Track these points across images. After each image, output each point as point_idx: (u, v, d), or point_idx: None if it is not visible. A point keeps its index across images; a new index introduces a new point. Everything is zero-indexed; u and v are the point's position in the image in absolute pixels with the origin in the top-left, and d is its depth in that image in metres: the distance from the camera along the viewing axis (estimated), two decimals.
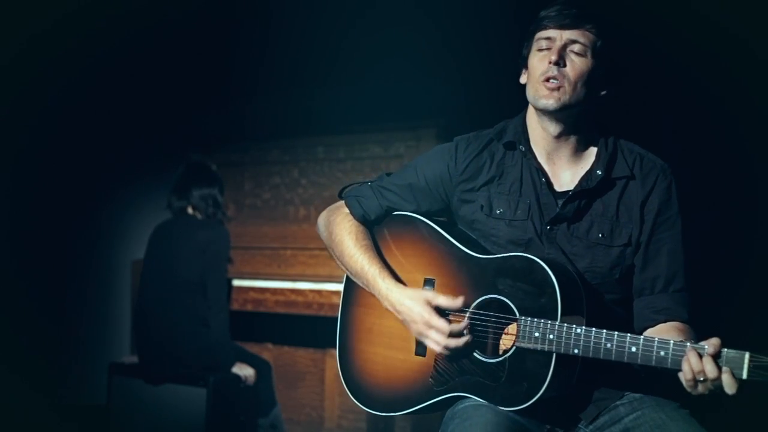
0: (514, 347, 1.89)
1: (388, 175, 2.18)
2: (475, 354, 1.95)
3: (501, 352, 1.93)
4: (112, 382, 4.04)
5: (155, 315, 3.84)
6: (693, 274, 1.99)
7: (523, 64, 2.02)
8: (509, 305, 1.91)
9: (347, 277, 2.19)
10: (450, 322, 1.95)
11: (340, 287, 2.22)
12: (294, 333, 4.56)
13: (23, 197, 4.52)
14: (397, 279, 2.08)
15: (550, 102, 1.92)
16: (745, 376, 1.65)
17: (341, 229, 2.15)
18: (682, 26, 3.18)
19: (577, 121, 1.98)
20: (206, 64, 4.74)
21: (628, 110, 2.78)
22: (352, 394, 2.14)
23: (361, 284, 2.12)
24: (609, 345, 1.77)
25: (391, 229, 2.15)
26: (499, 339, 1.95)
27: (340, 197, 2.22)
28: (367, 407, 2.11)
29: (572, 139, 2.00)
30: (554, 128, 1.98)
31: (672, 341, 1.72)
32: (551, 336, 1.82)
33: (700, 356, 1.68)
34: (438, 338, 1.94)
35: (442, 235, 2.06)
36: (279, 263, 4.53)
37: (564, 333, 1.81)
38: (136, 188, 4.89)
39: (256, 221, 4.71)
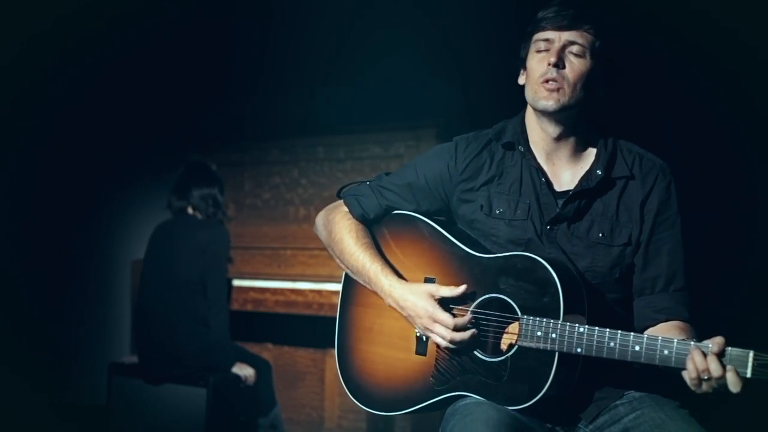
0: (516, 346, 1.89)
1: (387, 174, 2.18)
2: (476, 353, 1.95)
3: (502, 351, 1.93)
4: (112, 382, 4.04)
5: (155, 315, 3.84)
6: (693, 274, 2.00)
7: (521, 65, 2.03)
8: (511, 304, 1.91)
9: (346, 276, 2.19)
10: (455, 315, 1.95)
11: (340, 287, 2.22)
12: (294, 333, 4.56)
13: (23, 197, 4.52)
14: (399, 276, 2.08)
15: (549, 103, 1.92)
16: (749, 374, 1.65)
17: (341, 227, 2.15)
18: (682, 26, 3.18)
19: (576, 122, 1.99)
20: (206, 64, 4.73)
21: (627, 110, 2.78)
22: (351, 394, 2.14)
23: (362, 282, 2.12)
24: (612, 344, 1.78)
25: (390, 228, 2.15)
26: (500, 338, 1.95)
27: (339, 196, 2.22)
28: (366, 407, 2.11)
29: (571, 139, 2.00)
30: (553, 129, 1.98)
31: (676, 340, 1.73)
32: (554, 335, 1.83)
33: (705, 355, 1.68)
34: (443, 332, 1.94)
35: (443, 234, 2.06)
36: (279, 263, 4.53)
37: (567, 332, 1.82)
38: (136, 188, 4.88)
39: (256, 221, 4.71)
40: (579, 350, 1.81)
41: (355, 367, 2.14)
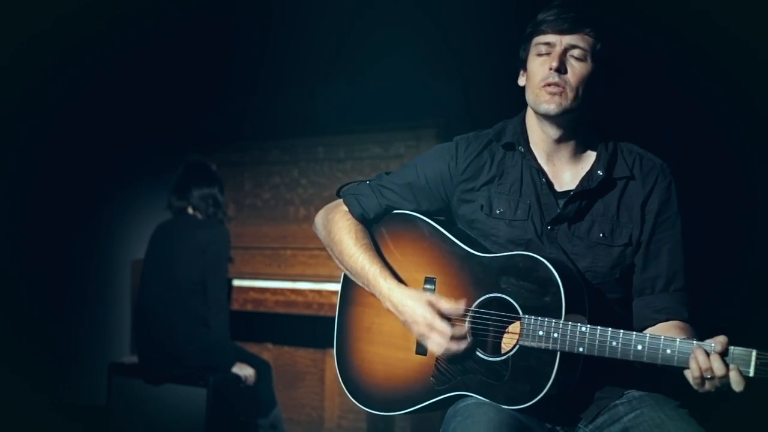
0: (517, 346, 1.89)
1: (387, 174, 2.18)
2: (477, 353, 1.95)
3: (503, 351, 1.93)
4: (112, 382, 4.04)
5: (155, 315, 3.84)
6: (693, 274, 2.00)
7: (521, 66, 2.02)
8: (512, 304, 1.91)
9: (345, 275, 2.18)
10: (453, 324, 1.95)
11: (339, 287, 2.22)
12: (294, 333, 4.56)
13: (23, 197, 4.52)
14: (398, 278, 2.08)
15: (551, 107, 1.92)
16: (752, 373, 1.66)
17: (340, 228, 2.14)
18: (682, 26, 3.18)
19: (577, 124, 1.99)
20: (206, 64, 4.73)
21: (627, 110, 2.78)
22: (350, 394, 2.13)
23: (360, 284, 2.11)
24: (615, 343, 1.78)
25: (391, 228, 2.14)
26: (501, 338, 1.95)
27: (339, 195, 2.21)
28: (366, 407, 2.10)
29: (572, 140, 2.00)
30: (554, 131, 1.99)
31: (678, 339, 1.73)
32: (555, 334, 1.83)
33: (708, 354, 1.69)
34: (440, 341, 1.94)
35: (443, 233, 2.06)
36: (279, 263, 4.53)
37: (569, 331, 1.82)
38: (136, 188, 4.88)
39: (256, 221, 4.71)
40: (581, 350, 1.81)
41: (355, 367, 2.14)
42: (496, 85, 2.85)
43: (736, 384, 1.67)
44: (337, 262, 2.17)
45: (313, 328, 4.34)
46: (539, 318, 1.86)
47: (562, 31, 1.92)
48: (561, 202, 1.98)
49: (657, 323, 1.95)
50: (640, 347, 1.75)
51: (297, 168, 4.60)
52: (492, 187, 2.04)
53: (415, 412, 2.06)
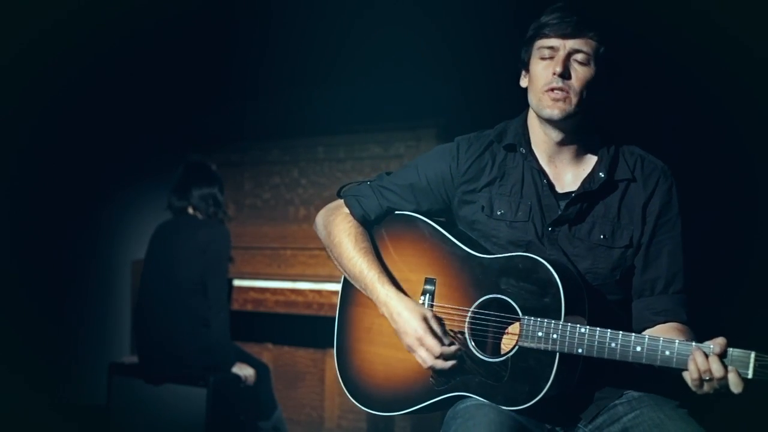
0: (516, 347, 1.89)
1: (388, 174, 2.17)
2: (477, 353, 1.95)
3: (503, 352, 1.93)
4: (112, 382, 4.04)
5: (155, 315, 3.84)
6: (693, 275, 2.00)
7: (523, 67, 2.01)
8: (511, 305, 1.91)
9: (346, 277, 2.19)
10: (445, 329, 1.96)
11: (339, 287, 2.22)
12: (294, 333, 4.56)
13: (23, 197, 4.52)
14: (397, 282, 2.08)
15: (554, 113, 1.92)
16: (750, 375, 1.66)
17: (340, 230, 2.14)
18: (682, 26, 3.18)
19: (579, 127, 1.98)
20: (206, 64, 4.74)
21: (628, 111, 2.78)
22: (350, 394, 2.13)
23: (358, 287, 2.12)
24: (614, 344, 1.78)
25: (391, 229, 2.14)
26: (500, 339, 1.95)
27: (339, 196, 2.21)
28: (366, 407, 2.10)
29: (574, 142, 2.00)
30: (556, 134, 1.98)
31: (677, 341, 1.73)
32: (555, 335, 1.83)
33: (707, 356, 1.69)
34: (425, 356, 1.95)
35: (443, 234, 2.06)
36: (279, 263, 4.53)
37: (568, 332, 1.82)
38: (136, 188, 4.88)
39: (256, 221, 4.71)
40: (580, 351, 1.81)
41: (355, 368, 2.14)
42: (496, 85, 2.85)
43: (735, 386, 1.67)
44: (336, 264, 2.17)
45: (313, 328, 4.34)
46: (539, 319, 1.86)
47: (565, 35, 1.91)
48: (562, 204, 1.98)
49: (656, 325, 1.95)
50: (639, 348, 1.75)
51: (297, 168, 4.60)
52: (493, 188, 2.04)
53: (415, 413, 2.06)
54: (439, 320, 1.99)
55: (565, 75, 1.90)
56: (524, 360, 1.87)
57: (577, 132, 1.99)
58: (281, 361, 4.63)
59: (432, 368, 1.96)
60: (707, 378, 1.68)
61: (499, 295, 1.94)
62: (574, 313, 1.85)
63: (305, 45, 4.48)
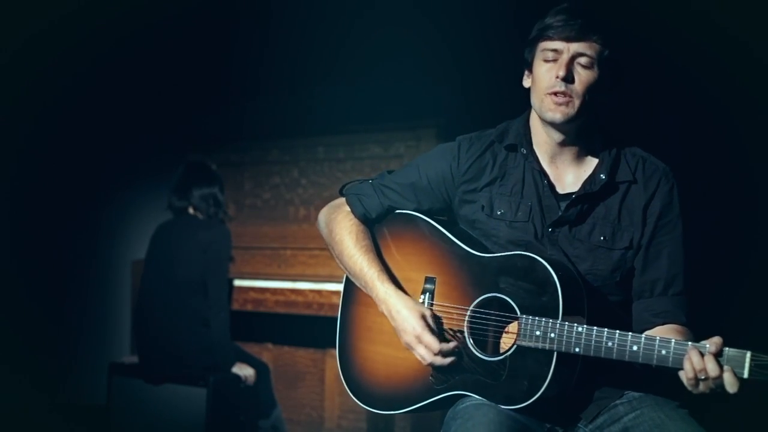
0: (514, 346, 1.89)
1: (389, 173, 2.18)
2: (475, 352, 1.95)
3: (501, 351, 1.93)
4: (112, 382, 4.04)
5: (155, 315, 3.84)
6: (693, 275, 2.00)
7: (526, 67, 2.01)
8: (510, 304, 1.91)
9: (347, 275, 2.19)
10: (443, 326, 1.96)
11: (340, 287, 2.22)
12: (294, 333, 4.56)
13: (23, 197, 4.52)
14: (397, 280, 2.08)
15: (557, 116, 1.92)
16: (746, 375, 1.65)
17: (341, 228, 2.15)
18: (682, 27, 3.18)
19: (581, 128, 1.98)
20: (206, 64, 4.74)
21: (628, 111, 2.78)
22: (352, 393, 2.14)
23: (359, 285, 2.12)
24: (610, 344, 1.78)
25: (392, 228, 2.15)
26: (499, 337, 1.95)
27: (341, 194, 2.22)
28: (367, 406, 2.11)
29: (576, 144, 2.00)
30: (558, 136, 1.98)
31: (673, 340, 1.73)
32: (552, 335, 1.83)
33: (702, 355, 1.68)
34: (424, 353, 1.96)
35: (443, 233, 2.06)
36: (279, 263, 4.53)
37: (565, 332, 1.82)
38: (136, 188, 4.89)
39: (256, 221, 4.71)
40: (577, 350, 1.81)
41: (356, 366, 2.14)
42: (496, 85, 2.85)
43: (730, 385, 1.66)
44: (337, 261, 2.18)
45: (313, 328, 4.35)
46: (536, 318, 1.86)
47: (569, 38, 1.90)
48: (563, 205, 1.98)
49: (655, 327, 1.94)
50: (635, 348, 1.75)
51: (297, 168, 4.60)
52: (494, 188, 2.04)
53: (415, 411, 2.06)
54: (438, 318, 1.99)
55: (568, 78, 1.90)
56: (522, 359, 1.87)
57: (578, 133, 1.99)
58: (281, 361, 4.63)
59: (431, 365, 1.97)
60: (703, 377, 1.68)
61: (498, 294, 1.94)
62: (573, 312, 1.85)
63: (305, 45, 4.48)
